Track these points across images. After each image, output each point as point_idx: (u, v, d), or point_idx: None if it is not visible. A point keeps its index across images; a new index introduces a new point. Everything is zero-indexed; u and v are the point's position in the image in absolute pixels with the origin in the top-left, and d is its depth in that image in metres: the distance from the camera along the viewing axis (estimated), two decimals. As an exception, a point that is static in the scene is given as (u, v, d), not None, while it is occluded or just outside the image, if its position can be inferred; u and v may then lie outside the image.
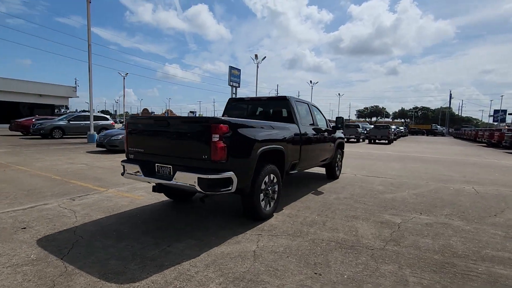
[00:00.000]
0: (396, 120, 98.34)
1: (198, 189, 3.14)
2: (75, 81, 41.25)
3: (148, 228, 3.63)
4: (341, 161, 7.55)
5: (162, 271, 2.54)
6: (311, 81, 54.35)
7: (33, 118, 20.37)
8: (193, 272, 2.54)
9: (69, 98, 33.08)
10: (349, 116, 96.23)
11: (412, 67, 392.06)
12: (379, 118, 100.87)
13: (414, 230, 3.75)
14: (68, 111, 57.13)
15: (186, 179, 3.21)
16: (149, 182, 3.70)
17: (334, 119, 7.01)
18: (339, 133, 7.27)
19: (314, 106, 6.34)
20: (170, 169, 3.46)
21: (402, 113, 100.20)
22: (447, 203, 5.12)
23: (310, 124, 5.66)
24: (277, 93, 65.99)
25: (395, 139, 28.78)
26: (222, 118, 3.25)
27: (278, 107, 5.37)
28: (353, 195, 5.57)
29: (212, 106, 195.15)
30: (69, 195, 5.12)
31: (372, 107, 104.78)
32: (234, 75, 51.00)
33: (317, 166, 6.71)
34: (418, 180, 7.28)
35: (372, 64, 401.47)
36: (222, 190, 3.22)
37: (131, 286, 2.30)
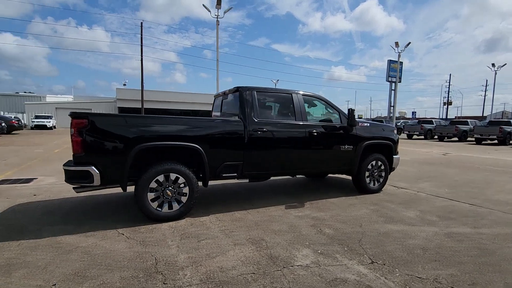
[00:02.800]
0: None
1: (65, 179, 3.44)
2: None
3: (70, 211, 4.10)
4: (383, 171, 5.37)
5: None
6: (493, 65, 39.55)
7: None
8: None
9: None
10: None
11: None
12: None
13: (275, 281, 2.35)
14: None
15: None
16: None
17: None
18: (374, 132, 5.26)
19: (311, 96, 4.97)
20: None
21: None
22: (476, 262, 2.70)
23: (284, 120, 4.54)
24: (449, 85, 52.25)
25: None
26: (81, 112, 3.37)
27: (234, 101, 4.63)
28: (335, 218, 3.95)
29: (378, 105, 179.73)
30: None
31: None
32: (394, 69, 46.10)
33: (326, 173, 5.22)
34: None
35: None
36: (81, 182, 3.35)
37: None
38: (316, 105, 5.11)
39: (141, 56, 31.72)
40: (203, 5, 18.12)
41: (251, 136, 4.15)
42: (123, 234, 3.32)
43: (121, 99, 33.16)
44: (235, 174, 4.16)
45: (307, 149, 4.64)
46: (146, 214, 3.62)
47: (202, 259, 2.73)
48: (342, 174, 5.39)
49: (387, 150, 5.45)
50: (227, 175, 4.11)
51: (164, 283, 2.31)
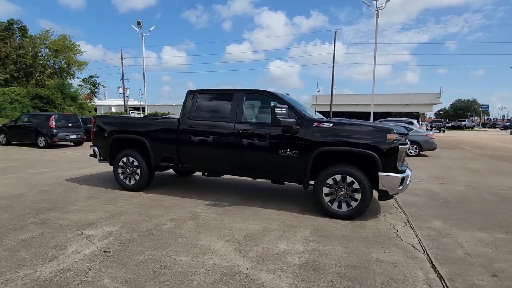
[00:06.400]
0: None
1: (95, 154, 5.82)
2: (440, 87, 37.48)
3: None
4: (357, 192, 3.73)
5: None
6: None
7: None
8: None
9: (433, 105, 33.01)
10: None
11: None
12: None
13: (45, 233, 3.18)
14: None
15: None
16: None
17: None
18: (337, 136, 3.85)
19: (257, 94, 4.52)
20: None
21: None
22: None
23: (215, 120, 4.62)
24: None
25: None
26: (96, 114, 5.53)
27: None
28: (205, 223, 3.71)
29: None
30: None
31: None
32: None
33: (272, 179, 4.51)
34: None
35: None
36: (94, 157, 5.58)
37: (60, 180, 6.06)
38: (261, 103, 4.55)
39: (333, 63, 33.47)
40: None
41: (182, 134, 4.72)
42: (99, 191, 5.21)
43: (316, 104, 36.78)
44: (172, 165, 4.90)
45: (237, 149, 4.39)
46: (118, 183, 5.32)
47: (73, 213, 4.01)
48: (292, 182, 4.38)
49: (368, 163, 3.75)
50: (165, 164, 4.94)
51: (35, 215, 3.90)
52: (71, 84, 39.76)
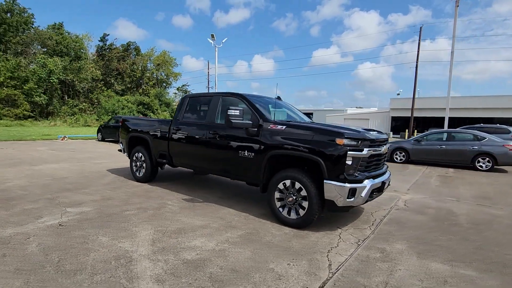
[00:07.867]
0: None
1: (124, 150, 6.91)
2: None
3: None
4: (304, 199, 3.47)
5: (107, 171, 7.23)
6: None
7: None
8: None
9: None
10: None
11: None
12: None
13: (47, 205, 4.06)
14: None
15: (129, 145, 7.05)
16: None
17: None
18: (287, 138, 3.66)
19: (230, 96, 4.61)
20: None
21: None
22: None
23: (195, 121, 4.95)
24: None
25: None
26: (123, 117, 6.58)
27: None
28: (160, 221, 4.05)
29: None
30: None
31: None
32: None
33: (242, 181, 4.53)
34: None
35: None
36: (120, 151, 6.65)
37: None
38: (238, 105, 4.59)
39: (417, 62, 29.81)
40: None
41: (171, 133, 5.23)
42: (118, 180, 6.21)
43: (394, 109, 32.93)
44: (165, 161, 5.46)
45: (208, 149, 4.62)
46: (132, 174, 6.22)
47: (79, 195, 4.96)
48: (255, 186, 4.27)
49: (315, 168, 3.46)
50: (161, 160, 5.53)
51: (54, 193, 4.99)
52: (168, 92, 47.04)
